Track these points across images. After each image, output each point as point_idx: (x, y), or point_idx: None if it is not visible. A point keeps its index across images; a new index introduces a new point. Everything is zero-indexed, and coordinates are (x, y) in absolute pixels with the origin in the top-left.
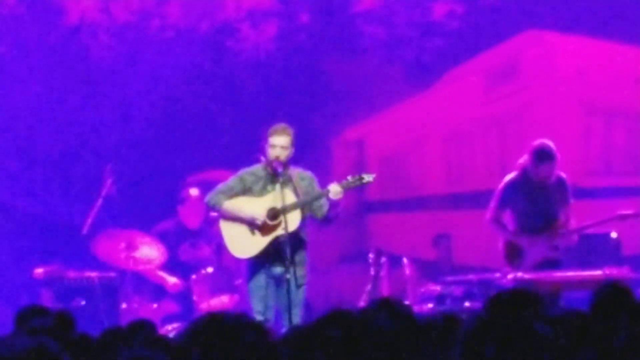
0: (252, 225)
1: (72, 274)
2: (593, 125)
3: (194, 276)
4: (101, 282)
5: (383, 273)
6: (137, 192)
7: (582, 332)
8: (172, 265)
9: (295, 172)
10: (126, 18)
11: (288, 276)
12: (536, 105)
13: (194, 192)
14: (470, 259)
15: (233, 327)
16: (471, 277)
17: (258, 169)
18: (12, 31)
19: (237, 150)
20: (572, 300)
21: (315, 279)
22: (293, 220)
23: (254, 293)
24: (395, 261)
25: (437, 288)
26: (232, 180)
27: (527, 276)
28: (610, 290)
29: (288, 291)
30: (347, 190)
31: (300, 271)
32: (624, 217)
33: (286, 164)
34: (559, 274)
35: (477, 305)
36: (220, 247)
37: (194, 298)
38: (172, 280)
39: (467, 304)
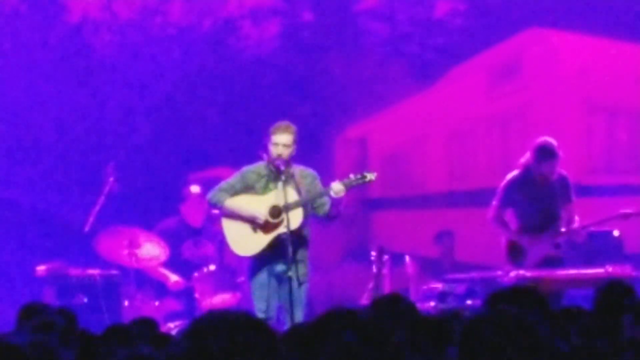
0: (254, 223)
1: (74, 271)
2: (595, 123)
3: (196, 274)
4: (103, 279)
5: (385, 271)
6: (140, 190)
7: (585, 329)
8: (174, 263)
9: (298, 170)
10: (128, 16)
11: (290, 274)
12: (539, 103)
13: (195, 189)
14: (473, 256)
15: (235, 325)
16: (473, 275)
17: (260, 166)
18: (15, 29)
19: (239, 148)
20: (574, 298)
21: (317, 276)
22: (295, 218)
23: (256, 291)
24: (397, 259)
25: (439, 286)
26: (234, 178)
27: (529, 274)
28: (613, 288)
29: (290, 289)
30: (349, 188)
31: (303, 269)
32: (626, 216)
33: (288, 162)
34: (561, 272)
35: (480, 303)
36: (222, 245)
37: (196, 296)
38: (173, 278)
39: (469, 301)
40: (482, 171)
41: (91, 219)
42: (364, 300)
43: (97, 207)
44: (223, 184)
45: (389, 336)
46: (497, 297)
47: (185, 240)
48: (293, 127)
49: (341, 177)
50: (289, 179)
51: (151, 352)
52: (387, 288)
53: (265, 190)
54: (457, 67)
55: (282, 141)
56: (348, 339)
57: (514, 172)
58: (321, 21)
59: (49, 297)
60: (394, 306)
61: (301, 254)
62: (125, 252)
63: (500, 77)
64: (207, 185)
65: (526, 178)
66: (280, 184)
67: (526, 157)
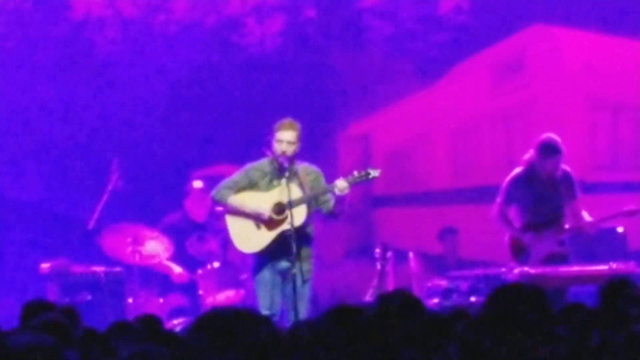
0: (258, 220)
1: (78, 268)
2: (599, 119)
3: (200, 271)
4: (107, 276)
5: (389, 268)
6: (144, 187)
7: (589, 326)
8: (179, 258)
9: (302, 167)
10: (132, 13)
11: (294, 271)
12: (542, 100)
13: (197, 184)
14: (477, 253)
15: (239, 322)
16: (477, 271)
17: (264, 163)
18: (19, 26)
19: (243, 144)
20: (578, 295)
21: (321, 273)
22: (299, 215)
23: (260, 288)
24: (401, 256)
25: (443, 283)
26: (238, 175)
27: (533, 271)
28: (617, 285)
29: (294, 286)
30: (353, 185)
31: (306, 266)
32: (631, 213)
33: (292, 159)
34: (565, 269)
35: (483, 300)
36: (226, 242)
37: (200, 293)
38: (177, 270)
39: (473, 298)
40: (486, 168)
41: (95, 216)
42: (368, 297)
43: (101, 204)
44: (227, 181)
45: (393, 332)
46: (499, 293)
47: (189, 235)
48: (297, 124)
49: (345, 174)
50: (293, 176)
51: (155, 349)
52: (390, 285)
53: (269, 187)
54: (460, 64)
55: (286, 138)
56: (351, 335)
57: (518, 169)
58: (324, 18)
59: (53, 294)
60: (399, 302)
61: (305, 250)
62: (129, 249)
63: (504, 74)
64: (211, 182)
65: (530, 175)
66: (284, 181)
67: (530, 153)
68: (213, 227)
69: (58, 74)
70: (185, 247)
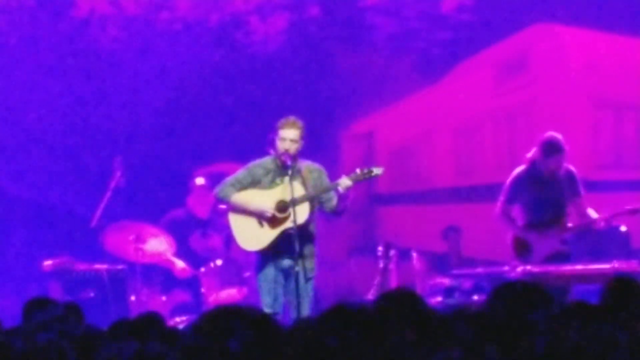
0: (260, 217)
1: (81, 266)
2: (602, 118)
3: (202, 269)
4: (110, 274)
5: (392, 266)
6: (146, 185)
7: (591, 325)
8: (182, 255)
9: (305, 164)
10: (135, 10)
11: (297, 269)
12: (545, 98)
13: (199, 181)
14: (480, 252)
15: (242, 320)
16: (480, 270)
17: (267, 161)
18: (22, 23)
19: (246, 142)
20: (581, 293)
21: (324, 271)
22: (302, 213)
23: (262, 286)
24: (404, 254)
25: (446, 281)
26: (241, 173)
27: (536, 269)
28: (620, 284)
29: (297, 284)
30: (356, 183)
31: (309, 264)
32: (634, 212)
33: (295, 157)
34: (568, 267)
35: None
36: (229, 240)
37: (203, 290)
38: (180, 265)
39: (475, 297)
40: (489, 166)
41: (98, 214)
42: (371, 295)
43: (104, 202)
44: (230, 179)
45: (394, 330)
46: (501, 291)
47: (192, 231)
48: (300, 123)
49: (348, 172)
50: (296, 173)
51: (158, 348)
52: (393, 283)
53: (272, 185)
54: (463, 62)
55: (289, 136)
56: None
57: (521, 168)
58: (328, 16)
59: (56, 292)
60: (401, 300)
61: (308, 248)
62: (132, 247)
63: (507, 72)
64: (214, 180)
65: (533, 173)
66: (287, 179)
67: (533, 152)
68: (216, 223)
69: (61, 72)
70: (189, 243)
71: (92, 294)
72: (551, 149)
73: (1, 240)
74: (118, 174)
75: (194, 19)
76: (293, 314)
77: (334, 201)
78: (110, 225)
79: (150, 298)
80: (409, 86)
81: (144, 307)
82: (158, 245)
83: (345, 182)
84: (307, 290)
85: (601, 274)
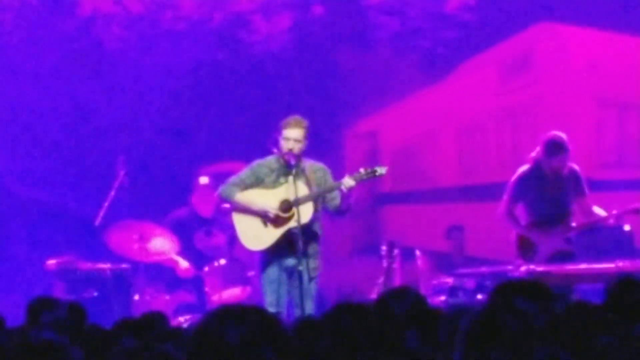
0: (264, 217)
1: (84, 265)
2: (606, 117)
3: (206, 268)
4: (114, 273)
5: (396, 265)
6: (150, 184)
7: (595, 324)
8: (186, 254)
9: (309, 164)
10: (139, 10)
11: (300, 268)
12: (549, 97)
13: (203, 180)
14: (483, 251)
15: (245, 319)
16: (484, 269)
17: (271, 160)
18: (26, 22)
19: (250, 141)
20: (585, 292)
21: (327, 270)
22: (306, 213)
23: (266, 285)
24: (407, 253)
25: (450, 280)
26: (245, 172)
27: (539, 269)
28: (623, 283)
29: (300, 283)
30: (359, 182)
31: (313, 263)
32: (638, 211)
33: (299, 156)
34: (571, 267)
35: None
36: (233, 239)
37: (206, 290)
38: (184, 264)
39: (479, 296)
40: (493, 165)
41: (102, 213)
42: (374, 294)
43: (108, 201)
44: (234, 178)
45: (396, 329)
46: (503, 290)
47: (196, 230)
48: (304, 122)
49: (351, 172)
50: (300, 173)
51: (162, 347)
52: (397, 282)
53: (275, 184)
54: (467, 61)
55: (293, 136)
56: (355, 332)
57: (525, 167)
58: (332, 15)
59: (59, 291)
60: (402, 299)
61: (312, 248)
62: (136, 246)
63: (511, 71)
64: (218, 179)
65: (537, 172)
66: (291, 178)
67: (536, 151)
68: (220, 223)
69: (65, 71)
70: (193, 242)
71: (95, 293)
72: (555, 148)
73: (5, 240)
74: (122, 173)
75: (197, 18)
76: (296, 313)
77: (338, 200)
78: (114, 225)
79: (154, 297)
80: (412, 85)
81: (148, 306)
82: (162, 244)
83: (348, 182)
84: (311, 290)
85: (605, 274)
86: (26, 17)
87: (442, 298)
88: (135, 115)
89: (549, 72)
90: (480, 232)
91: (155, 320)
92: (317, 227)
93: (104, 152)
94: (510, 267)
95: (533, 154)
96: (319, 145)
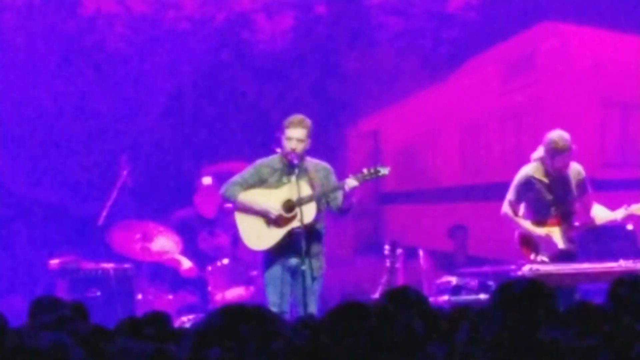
0: (267, 217)
1: (87, 265)
2: (609, 117)
3: (209, 267)
4: (116, 273)
5: (399, 265)
6: (153, 183)
7: (598, 324)
8: (189, 254)
9: (312, 163)
10: (142, 9)
11: (303, 268)
12: (552, 96)
13: (206, 180)
14: (486, 250)
15: (249, 319)
16: (487, 269)
17: (274, 160)
18: (28, 21)
19: (252, 141)
20: (588, 292)
21: (330, 270)
22: (309, 213)
23: (269, 285)
24: (410, 253)
25: (453, 280)
26: (247, 172)
27: (542, 268)
28: (627, 282)
29: (303, 283)
30: (362, 183)
31: (316, 263)
32: None
33: (302, 156)
34: (574, 266)
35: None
36: (236, 239)
37: (209, 289)
38: (187, 264)
39: (482, 295)
40: (496, 165)
41: (104, 213)
42: (377, 294)
43: (110, 201)
44: (236, 178)
45: (398, 329)
46: (505, 290)
47: (199, 231)
48: (307, 122)
49: (354, 171)
50: (303, 173)
51: (165, 347)
52: (400, 282)
53: (278, 184)
54: (470, 61)
55: (296, 135)
56: (358, 332)
57: (527, 166)
58: (335, 14)
59: (62, 290)
60: (404, 299)
61: (315, 248)
62: (138, 245)
63: (514, 70)
64: (221, 178)
65: (540, 172)
66: (293, 178)
67: (539, 150)
68: (223, 223)
69: (67, 71)
70: (196, 242)
71: (98, 293)
72: (558, 147)
73: (7, 239)
74: (124, 172)
75: (200, 18)
76: (300, 313)
77: (340, 199)
78: (117, 224)
79: (156, 297)
80: (415, 85)
81: (151, 306)
82: (165, 244)
83: (351, 182)
84: (314, 289)
85: (608, 273)
86: (29, 17)
87: (445, 297)
88: (137, 115)
89: (551, 72)
90: (483, 231)
91: (159, 320)
92: (320, 227)
93: (107, 152)
94: (513, 267)
95: (536, 153)
96: (322, 144)
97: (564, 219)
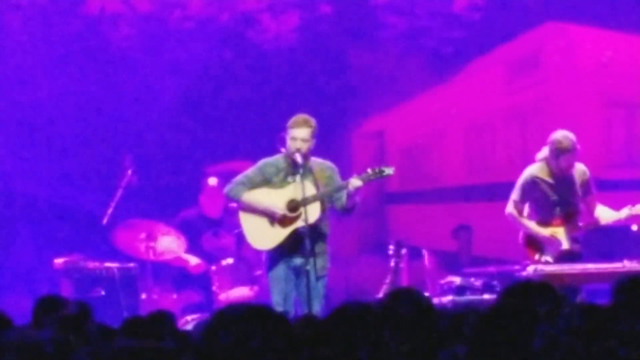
0: (271, 216)
1: (92, 264)
2: (614, 117)
3: (213, 267)
4: (121, 272)
5: (403, 264)
6: (157, 183)
7: (602, 324)
8: (193, 254)
9: (316, 163)
10: (147, 8)
11: (308, 267)
12: (557, 96)
13: (212, 181)
14: (491, 250)
15: (253, 318)
16: (491, 269)
17: (278, 159)
18: (33, 21)
19: (257, 141)
20: (593, 292)
21: (335, 270)
22: (313, 212)
23: (273, 284)
24: (415, 253)
25: (457, 280)
26: (252, 171)
27: (547, 268)
28: (631, 283)
29: (308, 282)
30: (367, 183)
31: (321, 263)
32: None
33: (307, 156)
34: (579, 267)
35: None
36: (240, 238)
37: (214, 289)
38: (194, 261)
39: (486, 296)
40: (500, 165)
41: (109, 212)
42: (382, 294)
43: (115, 200)
44: (241, 177)
45: (399, 330)
46: (511, 291)
47: (204, 231)
48: (312, 121)
49: (359, 171)
50: (307, 172)
51: (170, 346)
52: (404, 282)
53: (283, 183)
54: (475, 61)
55: (300, 135)
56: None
57: (532, 166)
58: (340, 14)
59: (67, 289)
60: (407, 300)
61: (319, 247)
62: (143, 245)
63: (519, 70)
64: (225, 178)
65: (544, 172)
66: (298, 178)
67: (544, 150)
68: (228, 223)
69: (72, 70)
70: (201, 243)
71: (103, 292)
72: (563, 147)
73: (12, 238)
74: (129, 171)
75: (205, 17)
76: (304, 313)
77: (344, 199)
78: (122, 224)
79: (161, 296)
80: (420, 85)
81: (155, 305)
82: (169, 243)
83: (356, 182)
84: (318, 289)
85: (612, 273)
86: (34, 17)
87: (449, 298)
88: (142, 114)
89: (556, 72)
90: (488, 231)
91: (163, 320)
92: (324, 226)
93: (112, 151)
94: (517, 267)
95: (541, 154)
96: (327, 144)
97: (569, 219)
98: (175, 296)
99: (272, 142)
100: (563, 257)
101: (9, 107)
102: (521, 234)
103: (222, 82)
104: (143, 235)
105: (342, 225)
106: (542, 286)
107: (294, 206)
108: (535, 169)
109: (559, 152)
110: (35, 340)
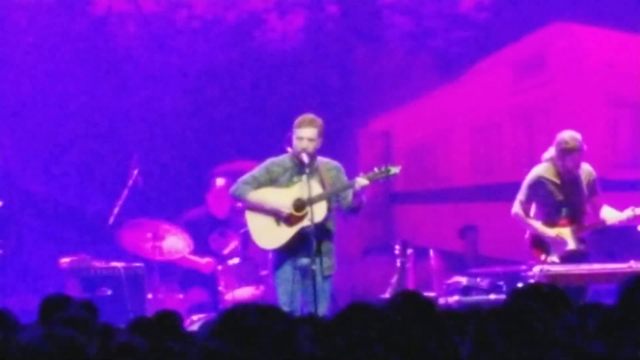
0: (277, 216)
1: (98, 263)
2: (620, 117)
3: (220, 267)
4: (127, 272)
5: (409, 265)
6: (164, 183)
7: (608, 325)
8: (200, 254)
9: (322, 163)
10: (153, 8)
11: (314, 267)
12: (563, 97)
13: (219, 181)
14: (497, 251)
15: (259, 318)
16: (497, 269)
17: (285, 159)
18: (40, 21)
19: (263, 140)
20: (599, 293)
21: (341, 270)
22: (319, 212)
23: (279, 284)
24: (421, 253)
25: (463, 280)
26: (258, 171)
27: (553, 269)
28: (637, 283)
29: (314, 282)
30: (373, 182)
31: (327, 262)
32: None
33: (313, 155)
34: (585, 267)
35: (503, 297)
36: (246, 238)
37: (220, 289)
38: (204, 260)
39: (492, 296)
40: (507, 165)
41: (115, 212)
42: (388, 293)
43: (121, 200)
44: (247, 177)
45: (405, 331)
46: (518, 293)
47: (211, 231)
48: (318, 121)
49: (365, 171)
50: (314, 172)
51: (176, 346)
52: (410, 282)
53: (289, 183)
54: (481, 61)
55: (306, 135)
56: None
57: (539, 166)
58: (346, 14)
59: (73, 289)
60: (411, 302)
61: (326, 246)
62: (149, 244)
63: (525, 71)
64: (233, 178)
65: (550, 172)
66: (304, 177)
67: (550, 151)
68: (235, 223)
69: (79, 69)
70: (208, 242)
71: (109, 292)
72: (569, 148)
73: (19, 238)
74: (135, 171)
75: (212, 17)
76: (310, 313)
77: (350, 198)
78: (128, 223)
79: (167, 296)
80: (426, 85)
81: (161, 305)
82: (176, 243)
83: (362, 181)
84: (324, 289)
85: (618, 274)
86: (40, 16)
87: (456, 298)
88: (149, 114)
89: (563, 72)
90: (494, 232)
91: (169, 319)
92: (330, 226)
93: (118, 151)
94: (523, 267)
95: (547, 154)
96: (333, 144)
97: (575, 220)
98: (181, 296)
99: (279, 141)
100: (569, 257)
101: (15, 107)
102: (527, 234)
103: (229, 81)
104: (149, 235)
105: (348, 224)
106: (552, 289)
107: (300, 205)
108: (542, 169)
109: (566, 152)
110: (41, 339)
